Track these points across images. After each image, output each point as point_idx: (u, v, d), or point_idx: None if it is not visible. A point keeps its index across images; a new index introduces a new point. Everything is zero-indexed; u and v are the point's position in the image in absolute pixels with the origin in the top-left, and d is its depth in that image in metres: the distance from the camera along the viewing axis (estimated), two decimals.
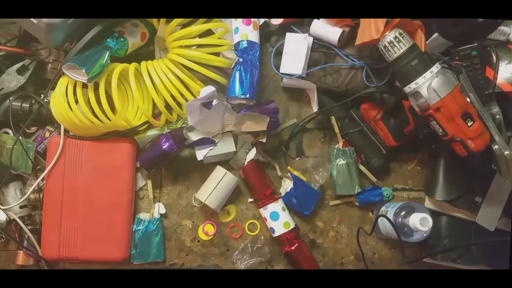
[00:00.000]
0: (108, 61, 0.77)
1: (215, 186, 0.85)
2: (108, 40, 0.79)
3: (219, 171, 0.86)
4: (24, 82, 0.85)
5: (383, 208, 0.86)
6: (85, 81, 0.76)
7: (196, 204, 0.89)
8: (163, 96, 0.82)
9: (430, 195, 0.86)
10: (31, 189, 0.86)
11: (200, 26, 0.82)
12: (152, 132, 0.87)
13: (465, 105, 0.70)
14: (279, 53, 0.86)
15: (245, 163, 0.88)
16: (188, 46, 0.83)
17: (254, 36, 0.85)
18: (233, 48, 0.86)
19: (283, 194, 0.89)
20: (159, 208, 0.89)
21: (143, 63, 0.83)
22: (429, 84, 0.68)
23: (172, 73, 0.81)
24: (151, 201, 0.90)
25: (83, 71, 0.73)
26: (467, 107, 0.70)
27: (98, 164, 0.86)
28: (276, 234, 0.85)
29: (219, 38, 0.86)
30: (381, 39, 0.72)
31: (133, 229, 0.87)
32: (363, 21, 0.77)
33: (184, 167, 0.90)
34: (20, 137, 0.86)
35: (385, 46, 0.71)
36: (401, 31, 0.71)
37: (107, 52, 0.77)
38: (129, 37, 0.81)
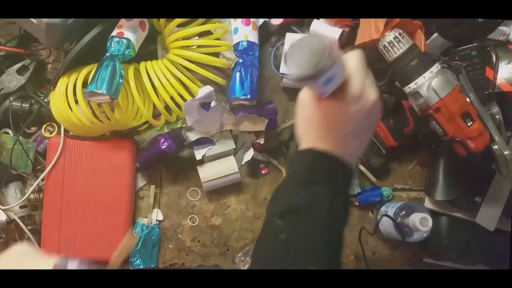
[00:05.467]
0: (123, 71, 0.76)
1: (220, 177, 0.85)
2: (111, 49, 0.77)
3: (232, 166, 0.86)
4: (24, 82, 0.85)
5: (383, 208, 0.86)
6: (110, 100, 0.75)
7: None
8: (162, 97, 0.82)
9: (430, 195, 0.86)
10: (31, 189, 0.86)
11: (199, 27, 0.82)
12: (153, 132, 0.87)
13: (465, 105, 0.70)
14: (279, 53, 0.86)
15: (242, 163, 0.88)
16: (187, 47, 0.83)
17: (253, 37, 0.85)
18: (232, 48, 0.86)
19: None
20: (157, 215, 0.90)
21: (142, 63, 0.83)
22: (429, 84, 0.68)
23: (171, 74, 0.81)
24: (151, 206, 0.90)
25: (105, 93, 0.72)
26: (467, 107, 0.70)
27: (98, 164, 0.86)
28: None
29: (218, 39, 0.86)
30: (380, 39, 0.72)
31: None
32: (363, 21, 0.77)
33: (184, 167, 0.90)
34: (20, 137, 0.86)
35: (384, 46, 0.71)
36: (401, 31, 0.71)
37: (117, 62, 0.76)
38: (130, 35, 0.79)
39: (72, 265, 0.41)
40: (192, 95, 0.84)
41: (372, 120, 0.49)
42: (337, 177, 0.47)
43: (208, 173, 0.86)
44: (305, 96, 0.49)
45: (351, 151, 0.48)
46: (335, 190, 0.46)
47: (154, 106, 0.85)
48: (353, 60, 0.47)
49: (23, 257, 0.42)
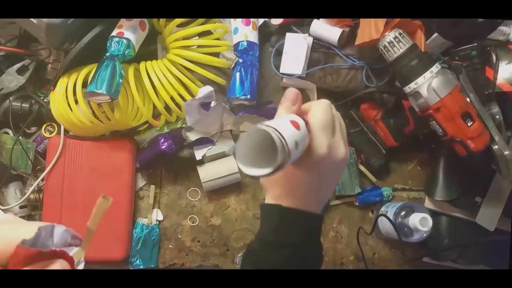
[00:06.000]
0: (123, 71, 0.76)
1: (220, 177, 0.85)
2: (111, 49, 0.77)
3: (232, 166, 0.86)
4: (24, 82, 0.85)
5: (383, 208, 0.86)
6: (110, 100, 0.75)
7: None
8: (162, 97, 0.82)
9: (430, 195, 0.86)
10: (31, 189, 0.86)
11: (199, 27, 0.82)
12: (152, 132, 0.87)
13: (465, 105, 0.70)
14: (279, 53, 0.86)
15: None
16: (187, 47, 0.83)
17: (253, 37, 0.85)
18: (232, 48, 0.86)
19: None
20: (157, 215, 0.89)
21: (142, 63, 0.83)
22: (429, 84, 0.68)
23: (171, 74, 0.81)
24: (151, 206, 0.89)
25: (105, 93, 0.72)
26: (467, 107, 0.70)
27: (98, 164, 0.86)
28: None
29: (218, 39, 0.86)
30: (381, 39, 0.72)
31: (134, 235, 0.87)
32: (363, 21, 0.77)
33: (184, 167, 0.90)
34: (20, 137, 0.86)
35: (385, 46, 0.71)
36: (401, 31, 0.71)
37: (117, 62, 0.76)
38: (130, 35, 0.79)
39: (59, 230, 0.40)
40: (192, 95, 0.84)
41: (339, 173, 0.49)
42: (305, 230, 0.47)
43: (208, 173, 0.86)
44: None
45: (317, 203, 0.48)
46: (305, 244, 0.47)
47: (154, 106, 0.85)
48: (317, 118, 0.45)
49: (7, 224, 0.42)
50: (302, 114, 0.47)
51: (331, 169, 0.46)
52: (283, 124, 0.39)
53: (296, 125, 0.41)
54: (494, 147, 0.73)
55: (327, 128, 0.45)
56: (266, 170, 0.37)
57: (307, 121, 0.45)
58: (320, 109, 0.46)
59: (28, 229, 0.38)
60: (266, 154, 0.39)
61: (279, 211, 0.47)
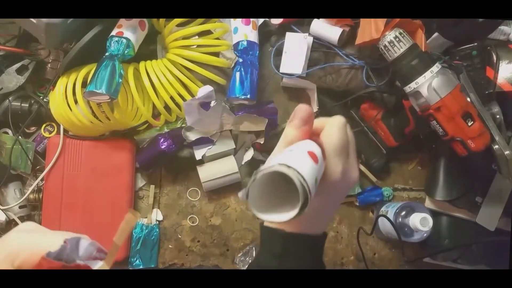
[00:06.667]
0: (122, 70, 0.76)
1: (219, 177, 0.85)
2: (110, 49, 0.77)
3: (232, 166, 0.86)
4: (23, 82, 0.85)
5: (383, 208, 0.86)
6: (109, 100, 0.74)
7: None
8: (162, 97, 0.81)
9: (431, 195, 0.86)
10: (30, 189, 0.86)
11: (199, 26, 0.82)
12: (152, 132, 0.87)
13: (465, 105, 0.70)
14: (279, 53, 0.86)
15: (242, 163, 0.88)
16: (187, 46, 0.83)
17: (253, 36, 0.85)
18: (232, 48, 0.86)
19: None
20: (157, 215, 0.89)
21: (142, 63, 0.83)
22: (429, 84, 0.68)
23: (171, 73, 0.81)
24: (151, 206, 0.89)
25: (104, 92, 0.72)
26: (468, 107, 0.70)
27: (97, 164, 0.86)
28: None
29: (217, 39, 0.85)
30: (381, 38, 0.72)
31: (134, 235, 0.87)
32: (363, 21, 0.77)
33: (184, 167, 0.90)
34: (20, 137, 0.86)
35: (385, 46, 0.71)
36: (401, 30, 0.71)
37: (117, 62, 0.75)
38: (129, 35, 0.78)
39: (84, 243, 0.40)
40: (192, 95, 0.84)
41: (346, 194, 0.47)
42: (309, 254, 0.45)
43: (208, 173, 0.86)
44: None
45: (323, 224, 0.46)
46: (308, 267, 0.45)
47: (154, 106, 0.85)
48: (332, 142, 0.42)
49: (32, 233, 0.41)
50: (314, 135, 0.43)
51: (342, 193, 0.45)
52: (301, 160, 0.35)
53: (314, 157, 0.37)
54: (494, 147, 0.73)
55: (342, 152, 0.42)
56: (286, 216, 0.33)
57: (322, 145, 0.42)
58: (336, 131, 0.43)
59: (54, 240, 0.37)
60: (280, 191, 0.35)
61: (283, 237, 0.43)
